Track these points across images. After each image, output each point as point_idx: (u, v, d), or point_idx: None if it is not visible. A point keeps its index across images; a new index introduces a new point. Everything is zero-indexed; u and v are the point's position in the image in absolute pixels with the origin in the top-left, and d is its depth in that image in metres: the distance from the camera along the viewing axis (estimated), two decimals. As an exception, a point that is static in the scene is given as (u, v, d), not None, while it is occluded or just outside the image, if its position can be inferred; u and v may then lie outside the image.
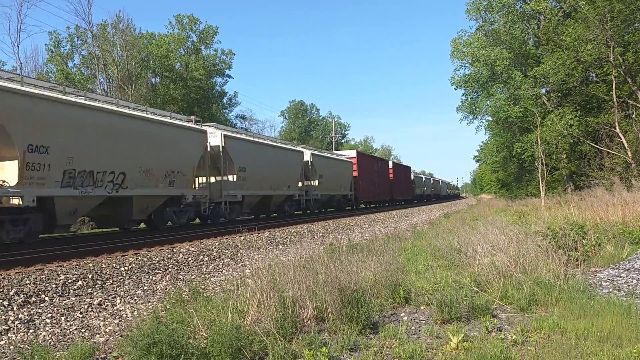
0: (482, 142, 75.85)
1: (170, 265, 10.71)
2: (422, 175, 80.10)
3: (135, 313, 7.02)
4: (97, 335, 6.07)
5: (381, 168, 47.11)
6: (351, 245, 10.81)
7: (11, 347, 5.59)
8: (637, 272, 7.25)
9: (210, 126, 21.30)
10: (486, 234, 8.12)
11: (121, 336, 5.66)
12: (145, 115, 16.80)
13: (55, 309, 7.18)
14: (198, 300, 6.41)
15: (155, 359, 4.13)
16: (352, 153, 41.40)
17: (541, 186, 23.45)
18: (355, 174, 38.34)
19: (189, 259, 11.55)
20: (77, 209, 13.97)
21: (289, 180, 27.01)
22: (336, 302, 5.24)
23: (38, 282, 8.28)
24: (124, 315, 7.01)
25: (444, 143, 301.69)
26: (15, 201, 11.50)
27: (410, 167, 64.74)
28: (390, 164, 52.18)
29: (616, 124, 25.31)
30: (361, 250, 8.71)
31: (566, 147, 28.98)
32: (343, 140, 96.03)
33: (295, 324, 4.96)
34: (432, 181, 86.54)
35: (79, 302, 7.64)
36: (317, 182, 30.85)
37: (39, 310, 7.05)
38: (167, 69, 46.03)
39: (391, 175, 50.01)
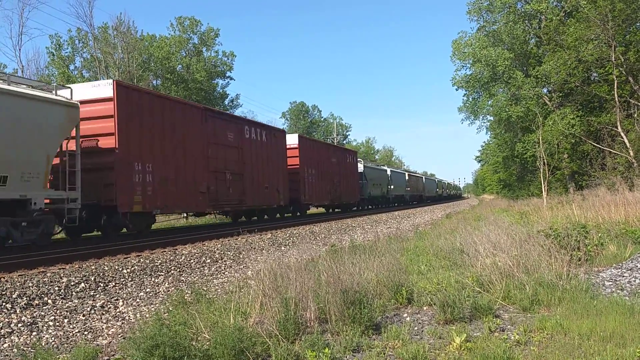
0: (484, 142, 75.57)
1: (173, 267, 10.72)
2: (384, 168, 53.18)
3: (138, 315, 7.02)
4: (100, 338, 6.08)
5: (260, 145, 22.80)
6: (353, 246, 10.81)
7: (14, 350, 5.60)
8: (639, 272, 7.23)
9: None
10: (488, 234, 8.11)
11: (124, 338, 5.67)
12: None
13: (58, 311, 7.19)
14: (200, 302, 6.42)
15: (158, 361, 4.14)
16: (104, 88, 14.60)
17: (543, 186, 23.46)
18: (110, 143, 14.40)
19: (191, 260, 11.56)
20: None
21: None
22: (339, 303, 5.23)
23: (41, 285, 8.29)
24: (127, 318, 7.01)
25: (446, 144, 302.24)
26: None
27: (355, 153, 40.33)
28: (295, 140, 27.31)
29: (618, 123, 25.28)
30: (363, 251, 8.71)
31: (568, 146, 28.96)
32: (345, 141, 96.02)
33: (297, 325, 4.96)
34: (406, 177, 60.55)
35: (82, 304, 7.64)
36: None
37: (42, 313, 7.05)
38: (169, 71, 46.09)
39: (296, 162, 26.63)
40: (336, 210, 36.54)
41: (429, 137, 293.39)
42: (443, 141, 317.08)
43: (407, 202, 58.59)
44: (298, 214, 28.99)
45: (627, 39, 26.92)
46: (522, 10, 31.94)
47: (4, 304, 7.26)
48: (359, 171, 39.07)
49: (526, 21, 32.15)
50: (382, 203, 46.91)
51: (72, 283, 8.65)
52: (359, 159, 40.59)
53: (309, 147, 29.12)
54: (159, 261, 11.07)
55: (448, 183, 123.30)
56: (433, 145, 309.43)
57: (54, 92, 12.64)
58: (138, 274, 9.87)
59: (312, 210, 35.86)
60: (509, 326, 5.22)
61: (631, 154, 24.45)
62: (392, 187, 49.72)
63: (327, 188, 30.99)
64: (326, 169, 31.13)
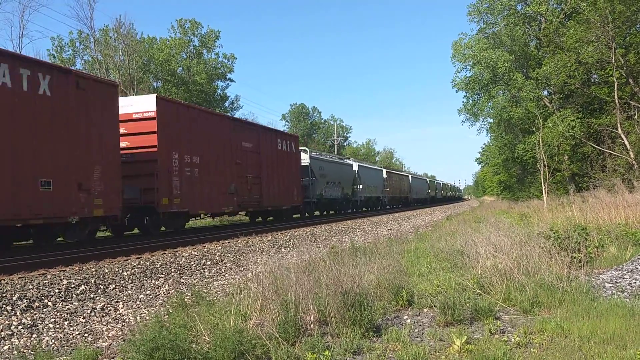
0: (484, 144, 75.47)
1: (173, 270, 10.72)
2: (348, 162, 40.69)
3: (138, 317, 7.02)
4: (100, 340, 6.07)
5: (29, 101, 11.45)
6: (354, 248, 10.80)
7: (14, 352, 5.60)
8: (640, 274, 7.23)
9: None
10: (489, 236, 8.11)
11: (124, 341, 5.66)
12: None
13: (58, 313, 7.18)
14: (200, 304, 6.41)
15: (158, 363, 4.13)
16: None
17: (543, 188, 23.45)
18: None
19: (192, 263, 11.56)
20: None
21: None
22: (339, 305, 5.23)
23: (41, 287, 8.29)
24: (127, 320, 7.01)
25: (447, 145, 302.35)
26: None
27: (295, 138, 27.74)
28: (149, 105, 16.15)
29: (618, 125, 25.28)
30: (364, 253, 8.70)
31: (568, 148, 28.98)
32: (345, 143, 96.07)
33: (297, 327, 4.95)
34: (384, 175, 48.39)
35: (82, 306, 7.64)
36: None
37: (42, 315, 7.05)
38: (169, 73, 46.13)
39: (152, 141, 15.89)
40: (269, 219, 25.51)
41: (430, 139, 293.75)
42: (444, 143, 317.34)
43: (385, 206, 47.32)
44: (168, 229, 17.65)
45: (627, 40, 26.95)
46: (522, 12, 31.99)
47: (4, 306, 7.26)
48: (304, 164, 28.24)
49: (526, 23, 32.20)
50: (344, 207, 36.57)
51: (72, 285, 8.65)
52: (303, 148, 29.69)
53: (184, 120, 17.22)
54: (159, 263, 11.06)
55: (444, 184, 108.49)
56: (434, 147, 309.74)
57: None
58: (138, 276, 9.87)
59: (204, 222, 24.78)
60: (509, 328, 5.22)
61: (631, 155, 24.45)
62: (360, 186, 39.11)
63: (223, 188, 18.98)
64: (228, 158, 19.38)
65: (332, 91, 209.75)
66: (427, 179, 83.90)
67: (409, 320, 5.65)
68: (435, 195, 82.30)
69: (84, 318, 7.09)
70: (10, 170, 11.07)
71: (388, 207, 48.59)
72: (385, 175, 48.52)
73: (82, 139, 12.94)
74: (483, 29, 33.80)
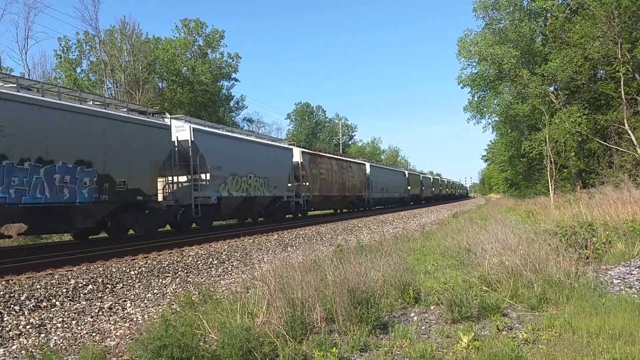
0: (490, 141, 75.20)
1: (180, 269, 10.74)
2: (163, 122, 16.62)
3: (146, 316, 7.04)
4: (108, 339, 6.10)
5: None
6: (360, 246, 10.80)
7: (23, 352, 5.63)
8: (648, 270, 7.19)
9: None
10: (495, 233, 8.09)
11: (132, 339, 5.68)
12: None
13: (66, 313, 7.22)
14: (208, 303, 6.43)
15: (166, 362, 4.14)
16: None
17: (550, 185, 23.35)
18: None
19: (199, 262, 11.58)
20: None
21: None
22: (346, 303, 5.23)
23: (49, 287, 8.33)
24: (135, 319, 7.04)
25: (452, 143, 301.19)
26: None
27: None
28: None
29: (625, 121, 25.12)
30: (370, 251, 8.70)
31: (575, 145, 28.80)
32: (350, 142, 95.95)
33: (305, 325, 4.96)
34: (297, 159, 26.57)
35: (90, 306, 7.67)
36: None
37: (50, 315, 7.08)
38: (174, 73, 46.15)
39: None
40: None
41: (436, 137, 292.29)
42: (450, 141, 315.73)
43: (299, 213, 27.43)
44: None
45: (634, 35, 26.74)
46: (528, 7, 31.83)
47: (12, 306, 7.30)
48: None
49: (532, 19, 32.02)
50: (136, 224, 15.74)
51: (80, 285, 8.68)
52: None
53: None
54: (166, 262, 11.10)
55: (434, 179, 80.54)
56: (440, 145, 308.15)
57: None
58: (145, 275, 9.90)
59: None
60: (517, 325, 5.20)
61: (638, 151, 24.29)
62: (205, 177, 18.64)
63: None
64: None
65: (337, 90, 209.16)
66: (406, 171, 59.15)
67: (415, 318, 5.64)
68: (420, 193, 61.54)
69: (91, 317, 7.12)
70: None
71: (317, 211, 32.28)
72: (300, 158, 27.13)
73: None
74: (489, 24, 33.66)
